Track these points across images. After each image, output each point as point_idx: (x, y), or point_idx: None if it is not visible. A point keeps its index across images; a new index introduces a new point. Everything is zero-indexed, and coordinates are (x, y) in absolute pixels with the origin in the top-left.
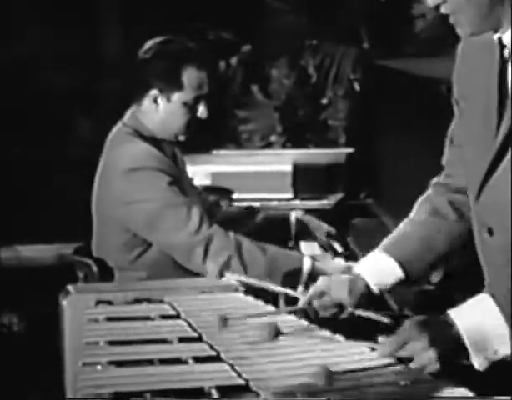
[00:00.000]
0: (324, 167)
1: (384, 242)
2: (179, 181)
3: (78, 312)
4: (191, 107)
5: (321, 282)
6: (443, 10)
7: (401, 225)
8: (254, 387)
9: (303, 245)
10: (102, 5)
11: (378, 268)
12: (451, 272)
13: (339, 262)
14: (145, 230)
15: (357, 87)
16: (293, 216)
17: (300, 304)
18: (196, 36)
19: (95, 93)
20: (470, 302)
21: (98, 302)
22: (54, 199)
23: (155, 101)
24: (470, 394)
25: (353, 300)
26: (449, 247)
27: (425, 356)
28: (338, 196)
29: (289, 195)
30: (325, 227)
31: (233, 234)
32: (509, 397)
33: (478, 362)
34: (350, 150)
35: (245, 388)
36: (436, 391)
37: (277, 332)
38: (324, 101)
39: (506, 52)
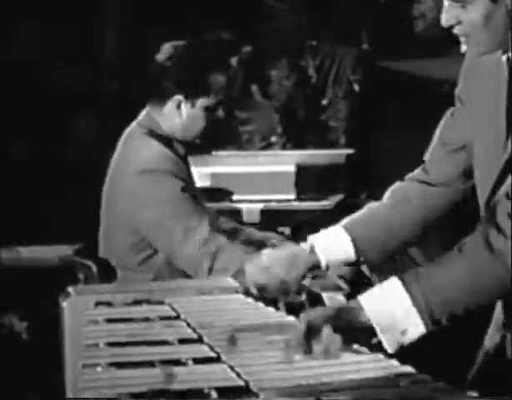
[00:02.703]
0: (324, 167)
1: (347, 219)
2: (191, 185)
3: (78, 314)
4: (212, 111)
5: (261, 258)
6: (456, 31)
7: (366, 206)
8: (254, 388)
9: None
10: (103, 5)
11: (332, 243)
12: None
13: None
14: (154, 235)
15: (357, 87)
16: (271, 241)
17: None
18: (212, 39)
19: (95, 93)
20: (379, 285)
21: (98, 304)
22: (54, 200)
23: (178, 106)
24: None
25: (294, 276)
26: (410, 235)
27: (326, 335)
28: (339, 196)
29: (290, 196)
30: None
31: (239, 246)
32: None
33: (387, 343)
34: (350, 151)
35: (245, 389)
36: (436, 391)
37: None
38: (324, 101)
39: None
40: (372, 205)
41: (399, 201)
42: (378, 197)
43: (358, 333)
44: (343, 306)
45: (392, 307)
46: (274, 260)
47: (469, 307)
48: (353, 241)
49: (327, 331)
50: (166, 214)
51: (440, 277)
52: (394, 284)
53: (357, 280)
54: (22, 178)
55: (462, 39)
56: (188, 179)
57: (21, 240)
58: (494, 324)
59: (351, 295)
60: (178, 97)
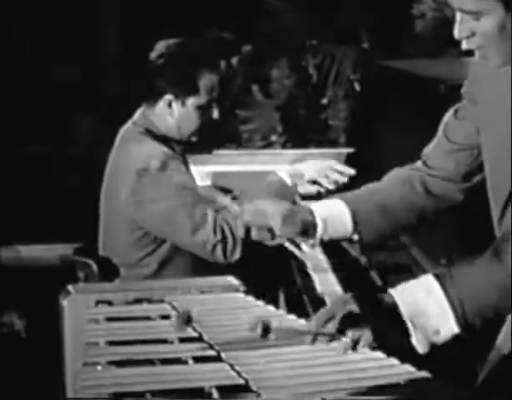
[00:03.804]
0: None
1: (345, 193)
2: (191, 182)
3: (79, 313)
4: (205, 110)
5: (260, 202)
6: (469, 44)
7: (364, 185)
8: (254, 386)
9: None
10: (102, 5)
11: (332, 215)
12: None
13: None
14: (162, 229)
15: (357, 87)
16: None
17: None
18: (205, 38)
19: (95, 93)
20: (413, 281)
21: (98, 303)
22: (54, 199)
23: (169, 105)
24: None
25: (285, 230)
26: (408, 219)
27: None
28: None
29: None
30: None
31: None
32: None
33: (417, 341)
34: (350, 150)
35: (245, 388)
36: (436, 391)
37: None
38: (325, 101)
39: None
40: (371, 185)
41: (399, 183)
42: None
43: (389, 330)
44: (363, 293)
45: (426, 305)
46: (274, 208)
47: (501, 312)
48: (353, 214)
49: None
50: (172, 207)
51: (475, 279)
52: (429, 281)
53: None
54: (22, 178)
55: (478, 53)
56: (187, 176)
57: (21, 239)
58: (507, 324)
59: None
60: (169, 96)
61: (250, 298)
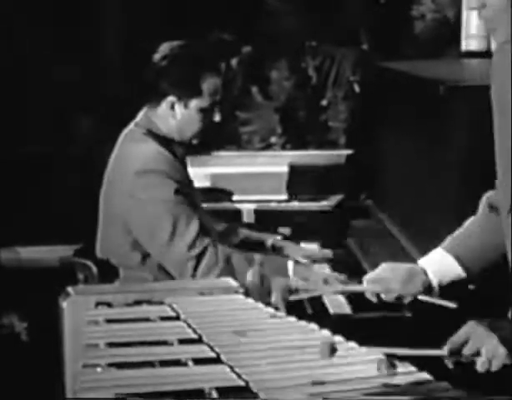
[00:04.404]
0: (324, 168)
1: (446, 241)
2: (186, 187)
3: (78, 314)
4: (207, 113)
5: (380, 270)
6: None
7: (465, 222)
8: (255, 388)
9: (302, 245)
10: (103, 5)
11: (439, 265)
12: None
13: (323, 268)
14: (141, 235)
15: (357, 88)
16: (270, 241)
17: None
18: (208, 40)
19: (96, 93)
20: None
21: (98, 304)
22: (54, 199)
23: (172, 107)
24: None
25: (408, 291)
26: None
27: (494, 350)
28: (338, 197)
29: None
30: (307, 249)
31: (222, 248)
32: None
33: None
34: (349, 151)
35: (245, 390)
36: (436, 391)
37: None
38: (324, 102)
39: None
40: (466, 224)
41: (490, 211)
42: (378, 198)
43: None
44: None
45: None
46: (392, 273)
47: None
48: (457, 258)
49: (492, 341)
50: (155, 215)
51: None
52: None
53: None
54: (22, 178)
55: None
56: (184, 181)
57: (21, 240)
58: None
59: None
60: (172, 97)
61: (250, 300)
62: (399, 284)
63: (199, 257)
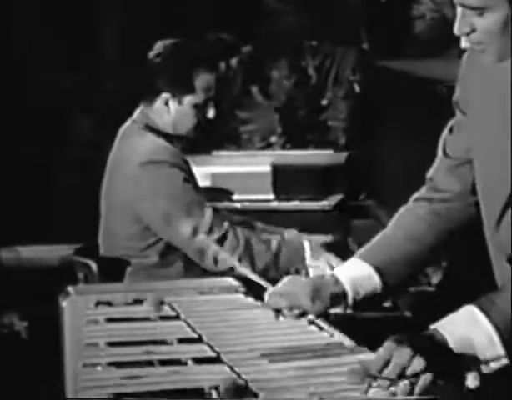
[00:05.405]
0: (324, 168)
1: (360, 250)
2: (192, 177)
3: (78, 314)
4: (201, 109)
5: (283, 284)
6: (469, 41)
7: (378, 234)
8: (254, 387)
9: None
10: (102, 5)
11: (354, 274)
12: (451, 273)
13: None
14: (158, 225)
15: (357, 88)
16: (285, 235)
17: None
18: (203, 39)
19: (95, 93)
20: (456, 314)
21: (98, 303)
22: (54, 199)
23: (166, 103)
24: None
25: (316, 307)
26: (431, 250)
27: (415, 365)
28: (338, 197)
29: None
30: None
31: (241, 230)
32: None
33: (469, 376)
34: (348, 152)
35: (244, 388)
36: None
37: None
38: (324, 102)
39: None
40: (383, 232)
41: (409, 222)
42: (377, 198)
43: (447, 366)
44: (412, 333)
45: (473, 336)
46: (298, 288)
47: None
48: (376, 268)
49: (417, 362)
50: (169, 205)
51: None
52: (472, 312)
53: None
54: (22, 178)
55: (476, 48)
56: (189, 170)
57: (21, 240)
58: None
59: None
60: (166, 94)
61: (250, 299)
62: (307, 299)
63: (221, 241)
